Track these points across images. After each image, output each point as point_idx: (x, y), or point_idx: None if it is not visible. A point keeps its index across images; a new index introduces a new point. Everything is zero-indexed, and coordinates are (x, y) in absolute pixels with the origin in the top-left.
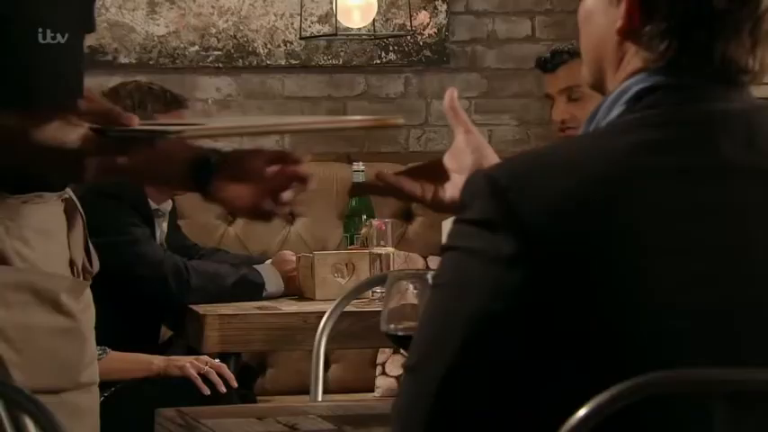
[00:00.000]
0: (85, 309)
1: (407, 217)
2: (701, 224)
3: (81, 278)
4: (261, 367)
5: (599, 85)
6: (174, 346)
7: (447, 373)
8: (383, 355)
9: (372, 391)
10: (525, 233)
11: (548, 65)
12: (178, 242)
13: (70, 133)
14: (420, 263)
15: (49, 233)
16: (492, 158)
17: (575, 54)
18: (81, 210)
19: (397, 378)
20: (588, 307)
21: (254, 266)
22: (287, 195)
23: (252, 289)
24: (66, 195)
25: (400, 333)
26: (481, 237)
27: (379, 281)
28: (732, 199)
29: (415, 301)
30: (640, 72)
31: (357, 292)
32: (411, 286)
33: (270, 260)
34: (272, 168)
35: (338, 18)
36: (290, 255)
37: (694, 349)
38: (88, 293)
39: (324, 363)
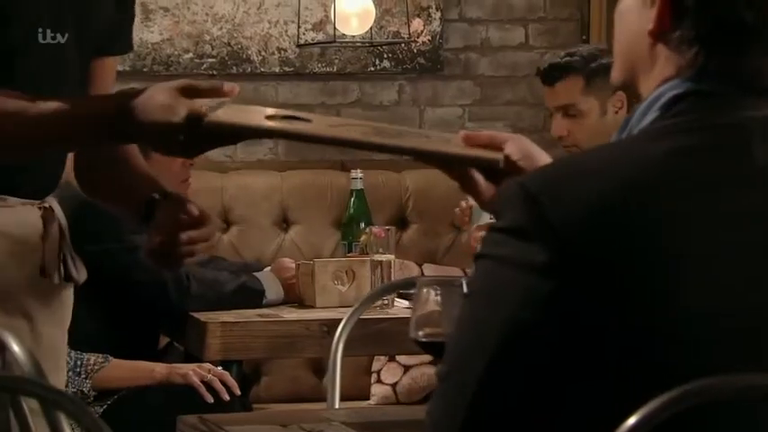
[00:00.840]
0: (53, 315)
1: (402, 224)
2: (734, 231)
3: (55, 286)
4: (255, 375)
5: (629, 84)
6: (170, 354)
7: (479, 381)
8: (378, 362)
9: (367, 398)
10: (556, 241)
11: (546, 78)
12: None
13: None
14: (415, 270)
15: (12, 236)
16: (543, 159)
17: (571, 70)
18: (62, 220)
19: (393, 386)
20: (619, 314)
21: (254, 274)
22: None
23: (252, 296)
24: (47, 205)
25: (428, 340)
26: (513, 245)
27: (397, 287)
28: (765, 205)
29: (440, 308)
30: (673, 78)
31: (373, 299)
32: (438, 293)
33: (269, 267)
34: (183, 218)
35: (336, 26)
36: (289, 262)
37: (724, 356)
38: (63, 304)
39: (317, 371)
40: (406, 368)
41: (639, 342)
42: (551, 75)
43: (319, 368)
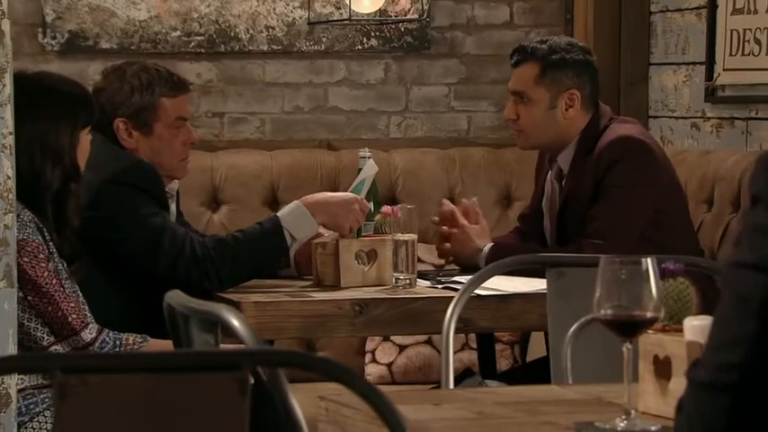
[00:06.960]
0: None
1: (391, 204)
2: None
3: None
4: None
5: None
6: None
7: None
8: (372, 342)
9: None
10: None
11: (511, 59)
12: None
13: None
14: None
15: None
16: None
17: (531, 57)
18: None
19: (389, 366)
20: None
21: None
22: None
23: (273, 238)
24: None
25: (612, 318)
26: (753, 211)
27: (501, 267)
28: None
29: (625, 287)
30: None
31: (486, 277)
32: (623, 271)
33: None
34: None
35: (351, 5)
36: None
37: None
38: None
39: (310, 350)
40: (402, 348)
41: None
42: (515, 57)
43: (311, 348)
